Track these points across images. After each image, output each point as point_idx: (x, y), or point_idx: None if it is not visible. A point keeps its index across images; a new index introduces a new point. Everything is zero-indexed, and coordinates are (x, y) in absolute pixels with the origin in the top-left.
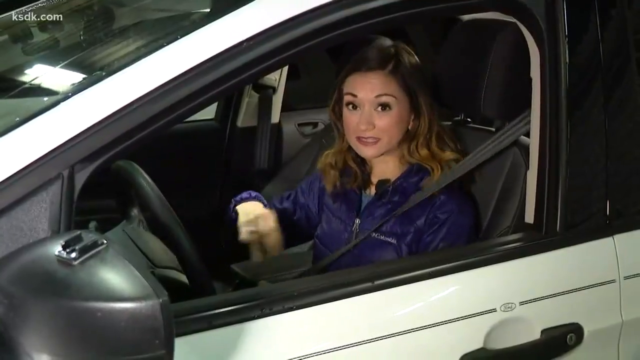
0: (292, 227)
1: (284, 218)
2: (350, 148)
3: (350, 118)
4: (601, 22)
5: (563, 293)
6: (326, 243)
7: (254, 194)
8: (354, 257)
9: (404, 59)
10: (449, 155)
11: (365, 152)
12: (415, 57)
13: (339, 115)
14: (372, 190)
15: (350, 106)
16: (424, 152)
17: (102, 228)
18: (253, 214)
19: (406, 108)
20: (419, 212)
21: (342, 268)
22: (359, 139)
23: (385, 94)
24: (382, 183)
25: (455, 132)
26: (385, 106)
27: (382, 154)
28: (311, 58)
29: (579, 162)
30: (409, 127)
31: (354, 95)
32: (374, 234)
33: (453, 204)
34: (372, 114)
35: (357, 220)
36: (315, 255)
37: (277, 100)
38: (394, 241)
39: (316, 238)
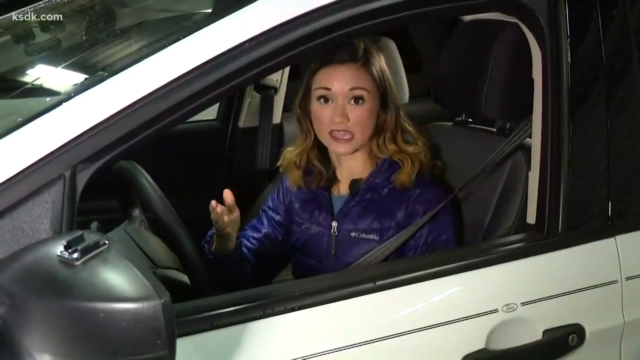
0: (281, 248)
1: (271, 244)
2: (313, 146)
3: (323, 112)
4: (603, 22)
5: (565, 294)
6: (307, 252)
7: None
8: (336, 260)
9: (373, 53)
10: (414, 148)
11: (339, 148)
12: (380, 53)
13: (305, 111)
14: (341, 189)
15: (322, 100)
16: (391, 147)
17: (104, 228)
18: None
19: (376, 103)
20: (397, 206)
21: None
22: (332, 134)
23: (359, 87)
24: (355, 182)
25: (456, 133)
26: (358, 99)
27: (355, 151)
28: (313, 58)
29: (580, 162)
30: (377, 121)
31: (327, 89)
32: (353, 233)
33: (430, 194)
34: (346, 106)
35: (335, 223)
36: (296, 267)
37: (279, 100)
38: (376, 237)
39: (294, 250)
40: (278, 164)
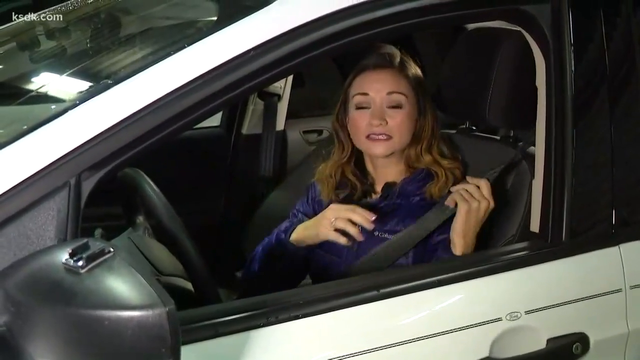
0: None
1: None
2: (349, 160)
3: (360, 118)
4: (607, 30)
5: (569, 302)
6: (328, 247)
7: (285, 225)
8: (356, 256)
9: (408, 59)
10: (450, 163)
11: (376, 149)
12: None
13: (342, 123)
14: (375, 195)
15: (361, 106)
16: (427, 157)
17: (108, 235)
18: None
19: (415, 109)
20: (421, 214)
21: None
22: (369, 137)
23: (397, 92)
24: (388, 185)
25: (460, 141)
26: (396, 104)
27: (389, 155)
28: (316, 65)
29: (584, 170)
30: (417, 127)
31: (365, 94)
32: (376, 232)
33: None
34: (385, 110)
35: None
36: (315, 263)
37: (282, 107)
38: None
39: (316, 247)
40: (313, 179)
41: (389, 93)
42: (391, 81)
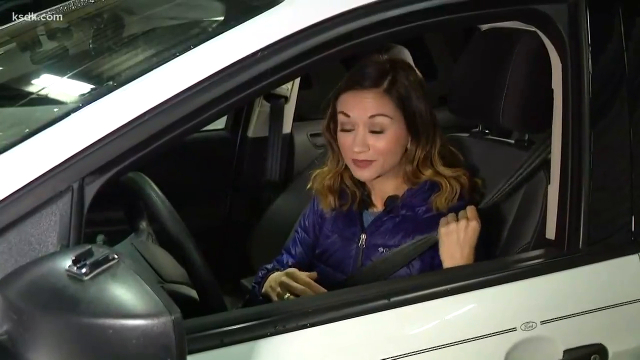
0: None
1: (304, 267)
2: (346, 168)
3: (346, 139)
4: (626, 30)
5: (586, 312)
6: (332, 264)
7: (264, 269)
8: (361, 273)
9: (400, 75)
10: (453, 172)
11: (361, 174)
12: (416, 71)
13: (333, 134)
14: (375, 209)
15: (344, 126)
16: (428, 172)
17: (110, 241)
18: (278, 282)
19: (402, 128)
20: (431, 227)
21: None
22: (354, 161)
23: (380, 114)
24: (391, 199)
25: (472, 144)
26: (379, 129)
27: (379, 176)
28: (324, 67)
29: (602, 175)
30: (407, 148)
31: (347, 115)
32: (381, 248)
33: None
34: (367, 135)
35: (363, 236)
36: (320, 279)
37: (289, 110)
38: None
39: (318, 261)
40: (308, 186)
41: (372, 116)
42: (375, 104)
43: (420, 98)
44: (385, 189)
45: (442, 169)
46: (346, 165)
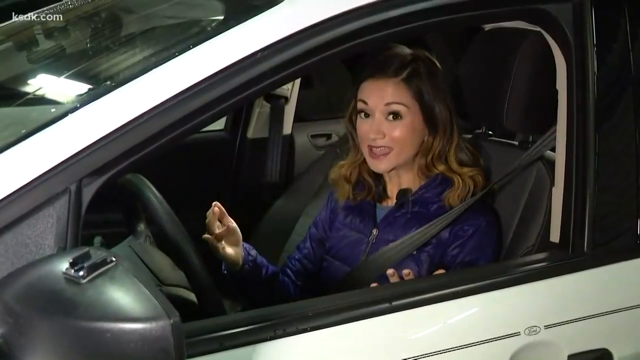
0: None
1: (312, 263)
2: (365, 160)
3: (363, 126)
4: (631, 30)
5: (591, 317)
6: (342, 257)
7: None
8: (369, 267)
9: (421, 69)
10: (468, 171)
11: (377, 165)
12: (438, 67)
13: (355, 124)
14: (389, 202)
15: (363, 114)
16: (441, 167)
17: (108, 243)
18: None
19: (419, 120)
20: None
21: (360, 282)
22: (370, 149)
23: (396, 102)
24: (403, 192)
25: (476, 146)
26: (396, 115)
27: (394, 168)
28: (325, 67)
29: (607, 177)
30: (424, 140)
31: (365, 103)
32: (392, 244)
33: (480, 218)
34: (383, 122)
35: (375, 231)
36: (328, 273)
37: (290, 110)
38: (413, 252)
39: (328, 255)
40: (330, 177)
41: (388, 104)
42: (391, 92)
43: (438, 93)
44: (400, 182)
45: (455, 166)
46: (365, 158)
